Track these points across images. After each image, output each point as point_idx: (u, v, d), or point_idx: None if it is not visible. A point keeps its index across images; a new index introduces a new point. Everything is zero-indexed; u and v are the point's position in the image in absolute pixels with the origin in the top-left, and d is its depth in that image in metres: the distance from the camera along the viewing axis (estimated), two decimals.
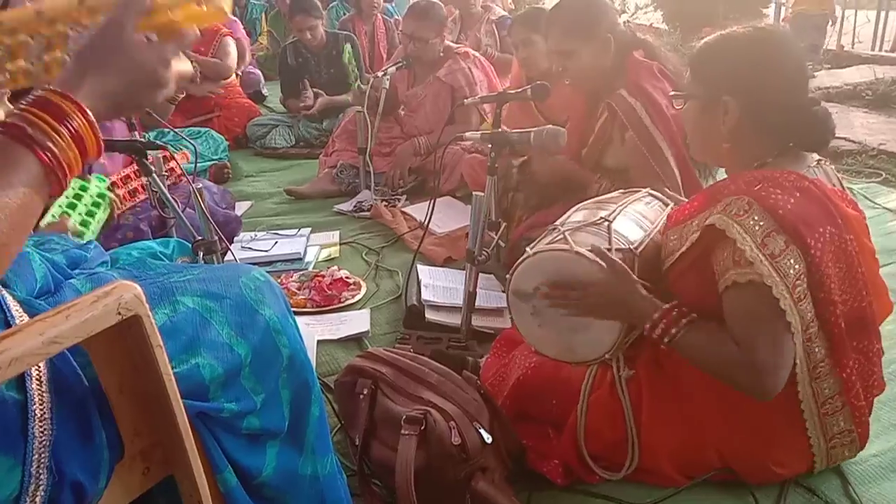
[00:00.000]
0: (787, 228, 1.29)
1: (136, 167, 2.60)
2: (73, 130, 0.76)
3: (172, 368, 0.94)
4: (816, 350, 1.39)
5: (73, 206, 2.18)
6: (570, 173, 2.41)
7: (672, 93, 1.63)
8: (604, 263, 1.42)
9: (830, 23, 6.62)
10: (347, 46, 3.60)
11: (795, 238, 1.30)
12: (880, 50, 6.99)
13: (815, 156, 1.50)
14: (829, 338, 1.39)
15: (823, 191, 1.37)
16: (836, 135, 4.23)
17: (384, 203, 3.49)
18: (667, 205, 1.75)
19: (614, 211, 1.59)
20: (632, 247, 1.50)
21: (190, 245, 2.17)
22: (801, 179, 1.36)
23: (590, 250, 1.44)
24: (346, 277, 2.65)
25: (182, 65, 0.87)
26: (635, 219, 1.61)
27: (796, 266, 1.30)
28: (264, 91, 6.15)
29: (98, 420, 0.92)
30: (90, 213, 2.21)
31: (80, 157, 0.77)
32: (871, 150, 4.05)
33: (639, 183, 1.89)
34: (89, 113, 0.77)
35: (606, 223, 1.53)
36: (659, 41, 2.46)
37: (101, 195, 2.27)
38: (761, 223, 1.29)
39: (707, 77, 1.49)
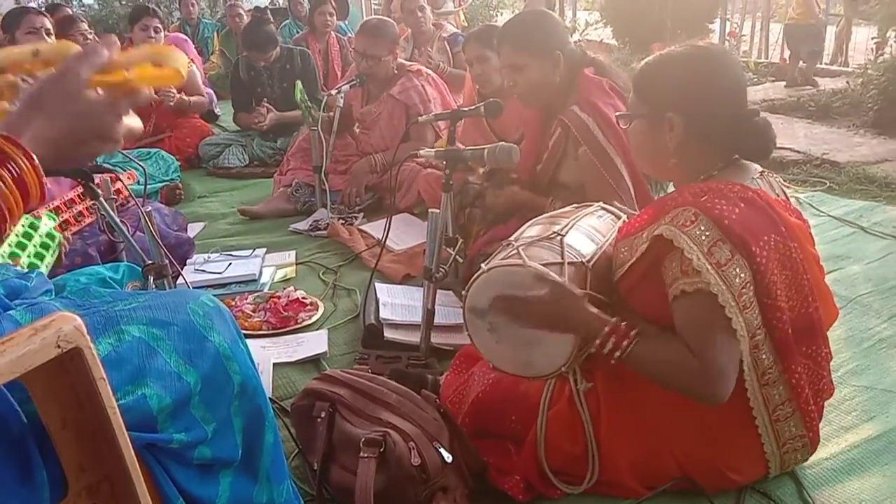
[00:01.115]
0: (733, 238, 1.33)
1: (81, 190, 2.53)
2: (15, 174, 0.74)
3: (118, 400, 0.91)
4: (764, 357, 1.41)
5: (22, 246, 2.10)
6: (524, 202, 2.43)
7: (618, 114, 1.67)
8: (545, 285, 1.42)
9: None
10: (299, 84, 3.57)
11: (741, 247, 1.33)
12: (820, 63, 7.21)
13: (758, 167, 1.54)
14: (777, 344, 1.42)
15: (767, 200, 1.42)
16: (782, 145, 4.35)
17: (341, 221, 3.46)
18: (619, 218, 1.77)
19: (567, 225, 1.61)
20: (584, 260, 1.52)
21: (140, 269, 2.12)
22: (745, 190, 1.40)
23: (536, 272, 1.44)
24: (303, 298, 2.61)
25: (133, 121, 0.86)
26: (587, 232, 1.63)
27: (742, 275, 1.33)
28: (217, 110, 6.08)
29: (38, 458, 0.88)
30: (39, 255, 2.13)
31: (23, 200, 0.76)
32: (815, 159, 4.17)
33: (594, 198, 1.91)
34: (34, 157, 0.76)
35: (559, 237, 1.55)
36: (609, 57, 2.50)
37: (50, 235, 2.20)
38: (707, 233, 1.33)
39: (650, 96, 1.53)
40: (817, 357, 1.49)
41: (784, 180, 3.86)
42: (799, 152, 4.29)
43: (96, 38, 5.69)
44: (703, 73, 1.48)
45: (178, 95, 4.55)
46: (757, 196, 1.40)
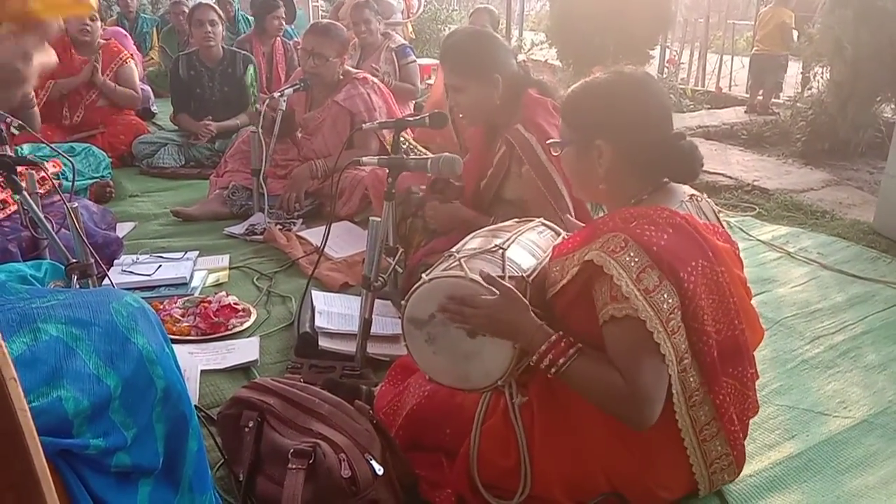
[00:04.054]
0: (661, 264, 1.35)
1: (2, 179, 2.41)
2: None
3: (30, 402, 0.86)
4: (691, 380, 1.44)
5: None
6: (465, 220, 2.41)
7: (549, 141, 1.69)
8: (496, 290, 1.42)
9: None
10: (251, 69, 3.45)
11: (669, 273, 1.36)
12: (778, 95, 7.49)
13: (689, 190, 1.59)
14: (701, 366, 1.45)
15: (695, 226, 1.45)
16: (716, 171, 4.48)
17: (278, 227, 3.39)
18: (558, 234, 1.79)
19: (508, 239, 1.61)
20: (524, 274, 1.52)
21: (64, 268, 2.03)
22: (674, 216, 1.43)
23: (482, 277, 1.44)
24: (235, 304, 2.54)
25: (45, 55, 0.79)
26: (528, 247, 1.63)
27: (670, 300, 1.36)
28: (153, 108, 5.92)
29: None
30: None
31: None
32: (746, 185, 4.32)
33: (535, 215, 1.93)
34: None
35: (501, 251, 1.55)
36: (553, 77, 2.53)
37: None
38: (636, 259, 1.35)
39: (579, 123, 1.55)
40: (743, 378, 1.53)
41: (716, 204, 3.97)
42: (731, 178, 4.44)
43: None
44: (628, 100, 1.51)
45: (104, 79, 4.41)
46: (685, 222, 1.44)
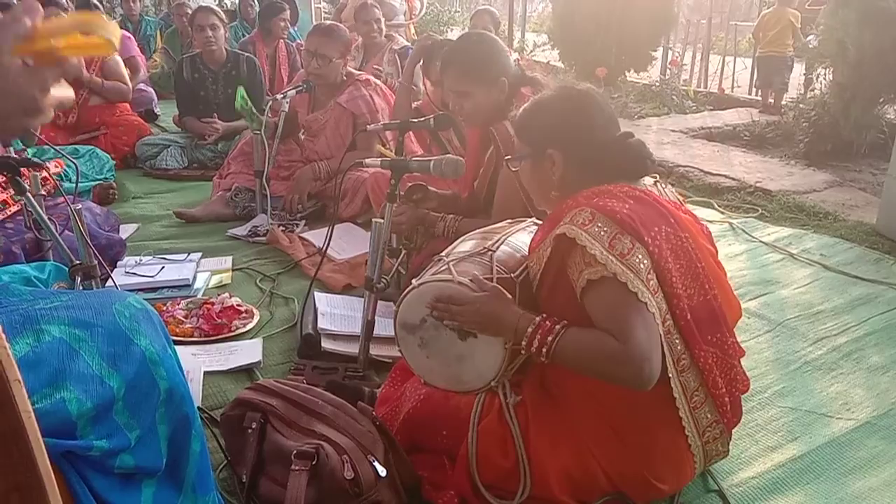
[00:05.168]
0: (629, 229, 1.41)
1: (3, 179, 2.42)
2: None
3: (34, 404, 0.86)
4: (676, 342, 1.48)
5: None
6: (422, 218, 2.45)
7: (507, 157, 1.73)
8: (479, 288, 1.47)
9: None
10: (241, 90, 3.42)
11: (637, 237, 1.41)
12: (756, 94, 7.49)
13: (652, 179, 1.65)
14: (680, 331, 1.48)
15: (654, 197, 1.52)
16: (718, 172, 4.46)
17: (281, 228, 3.40)
18: None
19: (497, 241, 1.65)
20: (512, 275, 1.55)
21: (67, 269, 2.04)
22: (633, 190, 1.51)
23: (470, 280, 1.49)
24: (238, 305, 2.54)
25: (63, 91, 0.80)
26: (517, 248, 1.67)
27: (645, 261, 1.40)
28: (157, 110, 5.93)
29: None
30: None
31: None
32: (749, 187, 4.31)
33: (500, 209, 1.92)
34: None
35: (489, 253, 1.59)
36: (553, 78, 2.53)
37: None
38: (605, 229, 1.40)
39: (530, 137, 1.64)
40: (724, 345, 1.55)
41: (718, 206, 3.94)
42: (734, 179, 4.43)
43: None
44: (572, 109, 1.60)
45: (91, 76, 4.41)
46: (644, 194, 1.50)
